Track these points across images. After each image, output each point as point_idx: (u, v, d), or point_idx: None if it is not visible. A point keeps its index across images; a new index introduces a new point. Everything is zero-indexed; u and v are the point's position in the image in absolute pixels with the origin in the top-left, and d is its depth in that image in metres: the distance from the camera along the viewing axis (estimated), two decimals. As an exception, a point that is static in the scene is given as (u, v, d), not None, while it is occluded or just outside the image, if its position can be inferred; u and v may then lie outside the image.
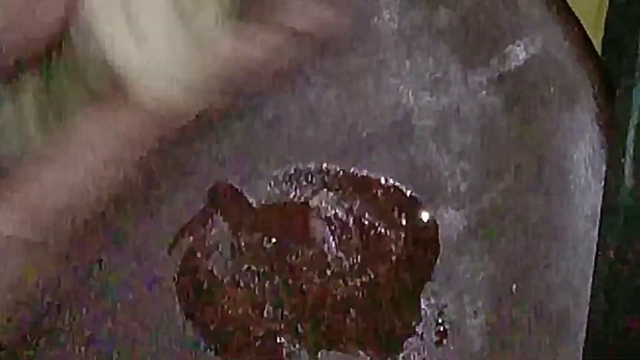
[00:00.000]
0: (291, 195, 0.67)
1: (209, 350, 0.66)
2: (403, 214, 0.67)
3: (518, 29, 0.66)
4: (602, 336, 0.64)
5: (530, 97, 0.67)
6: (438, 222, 0.67)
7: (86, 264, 0.66)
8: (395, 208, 0.67)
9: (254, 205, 0.67)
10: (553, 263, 0.66)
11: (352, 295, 0.67)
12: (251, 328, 0.67)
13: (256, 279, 0.67)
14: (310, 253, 0.67)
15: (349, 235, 0.67)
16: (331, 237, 0.67)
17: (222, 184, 0.67)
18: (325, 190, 0.67)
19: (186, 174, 0.66)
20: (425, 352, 0.66)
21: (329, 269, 0.67)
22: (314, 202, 0.67)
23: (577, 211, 0.66)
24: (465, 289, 0.66)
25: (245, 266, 0.67)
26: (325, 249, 0.67)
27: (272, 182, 0.67)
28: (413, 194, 0.67)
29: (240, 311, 0.66)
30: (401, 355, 0.66)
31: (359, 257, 0.67)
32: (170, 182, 0.66)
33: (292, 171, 0.67)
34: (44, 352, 0.66)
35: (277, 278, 0.67)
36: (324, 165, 0.67)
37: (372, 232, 0.66)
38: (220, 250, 0.67)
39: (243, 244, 0.67)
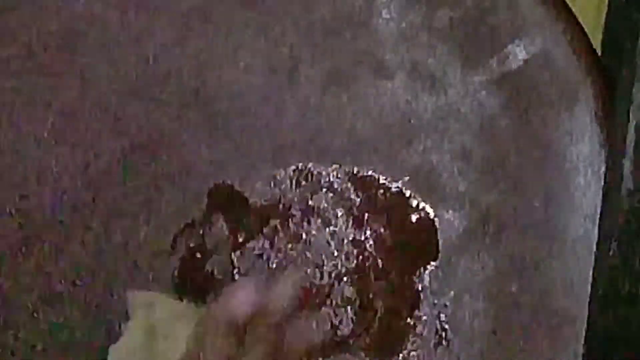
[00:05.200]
0: (291, 195, 0.67)
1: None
2: (403, 214, 0.67)
3: (518, 29, 0.66)
4: (601, 336, 0.64)
5: (530, 97, 0.67)
6: (438, 222, 0.67)
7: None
8: (395, 208, 0.67)
9: (254, 205, 0.67)
10: (553, 263, 0.66)
11: (351, 295, 0.67)
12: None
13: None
14: (309, 252, 0.67)
15: (348, 236, 0.67)
16: (330, 237, 0.67)
17: (222, 184, 0.67)
18: (324, 190, 0.67)
19: (186, 174, 0.66)
20: (425, 352, 0.66)
21: (328, 269, 0.67)
22: (313, 202, 0.67)
23: (577, 211, 0.66)
24: (465, 289, 0.66)
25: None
26: (324, 249, 0.67)
27: (272, 182, 0.67)
28: (413, 194, 0.67)
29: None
30: (401, 355, 0.66)
31: (359, 256, 0.66)
32: (170, 182, 0.66)
33: (292, 171, 0.67)
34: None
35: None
36: (324, 165, 0.67)
37: (372, 232, 0.66)
38: (220, 250, 0.67)
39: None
